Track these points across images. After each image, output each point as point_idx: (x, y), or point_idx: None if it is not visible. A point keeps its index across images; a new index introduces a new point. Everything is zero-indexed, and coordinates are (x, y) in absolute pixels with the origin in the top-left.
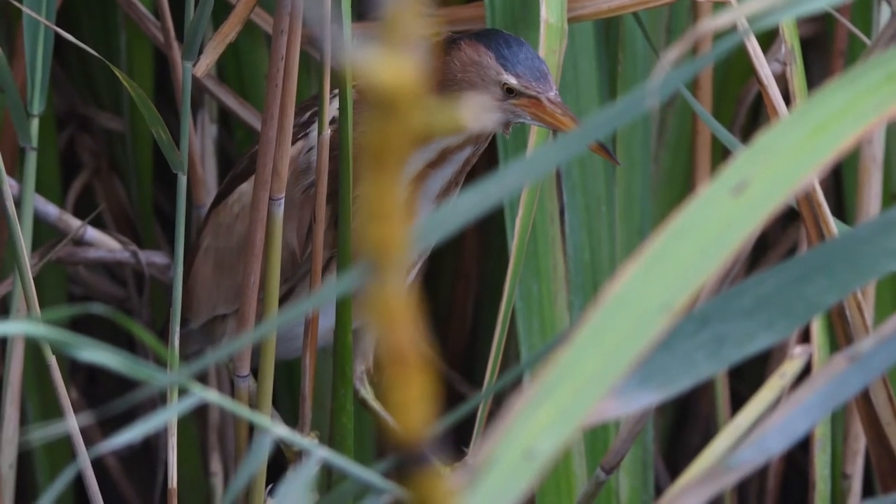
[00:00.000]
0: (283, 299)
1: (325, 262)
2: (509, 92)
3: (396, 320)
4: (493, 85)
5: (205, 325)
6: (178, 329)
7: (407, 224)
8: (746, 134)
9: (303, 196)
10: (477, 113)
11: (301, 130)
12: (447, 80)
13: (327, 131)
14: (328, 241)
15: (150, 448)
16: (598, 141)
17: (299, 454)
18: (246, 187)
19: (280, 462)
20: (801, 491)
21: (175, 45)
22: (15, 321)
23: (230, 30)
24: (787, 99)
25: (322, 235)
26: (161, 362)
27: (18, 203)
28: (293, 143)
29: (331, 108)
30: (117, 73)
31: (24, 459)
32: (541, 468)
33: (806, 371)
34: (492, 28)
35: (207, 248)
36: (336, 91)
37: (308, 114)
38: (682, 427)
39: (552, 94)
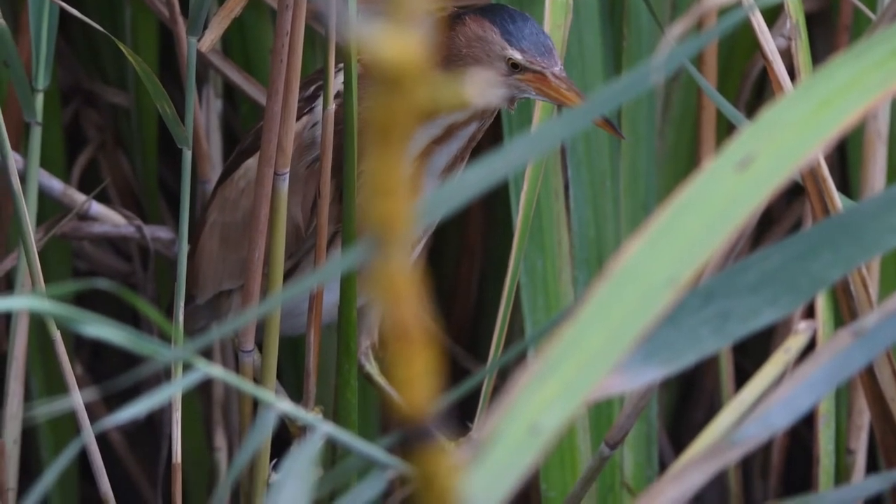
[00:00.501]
0: (288, 274)
1: (330, 237)
2: (514, 67)
3: (401, 296)
4: (498, 60)
5: (210, 301)
6: (182, 304)
7: (411, 200)
8: (751, 109)
9: (307, 171)
10: (481, 89)
11: (306, 105)
12: (452, 55)
13: (332, 106)
14: (333, 216)
15: (155, 423)
16: (603, 116)
17: (303, 429)
18: (252, 162)
19: (284, 437)
20: (805, 466)
21: (180, 20)
22: (20, 296)
23: (235, 4)
24: (792, 74)
25: (327, 211)
26: (166, 338)
27: (23, 178)
28: (298, 118)
29: (335, 83)
30: (122, 48)
31: (29, 435)
32: (545, 443)
33: (810, 346)
34: (497, 3)
35: (213, 223)
36: (341, 65)
37: (313, 87)
38: (687, 402)
39: (557, 69)
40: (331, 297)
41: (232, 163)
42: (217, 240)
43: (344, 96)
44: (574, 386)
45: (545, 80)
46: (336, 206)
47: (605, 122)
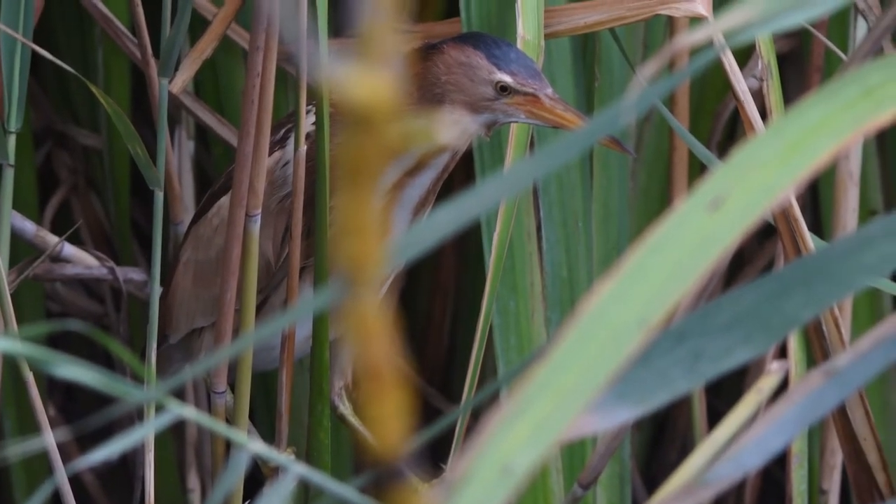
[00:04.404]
0: (258, 309)
1: (300, 270)
2: (503, 90)
3: (372, 335)
4: (485, 85)
5: (183, 340)
6: (154, 345)
7: (382, 238)
8: (723, 149)
9: (278, 206)
10: (452, 127)
11: (277, 145)
12: (428, 85)
13: (303, 147)
14: (303, 250)
15: (128, 464)
16: (611, 135)
17: (276, 470)
18: (225, 200)
19: (257, 478)
20: None
21: (152, 61)
22: None
23: (206, 46)
24: (764, 114)
25: (298, 251)
26: (139, 379)
27: None
28: (269, 154)
29: (306, 124)
30: (94, 89)
31: (2, 475)
32: (518, 483)
33: (783, 386)
34: (474, 31)
35: (187, 261)
36: (312, 106)
37: (283, 130)
38: (660, 442)
39: (549, 90)
40: (303, 332)
41: (205, 204)
42: (191, 277)
43: (315, 133)
44: (546, 426)
45: (538, 103)
46: (306, 240)
47: (613, 141)
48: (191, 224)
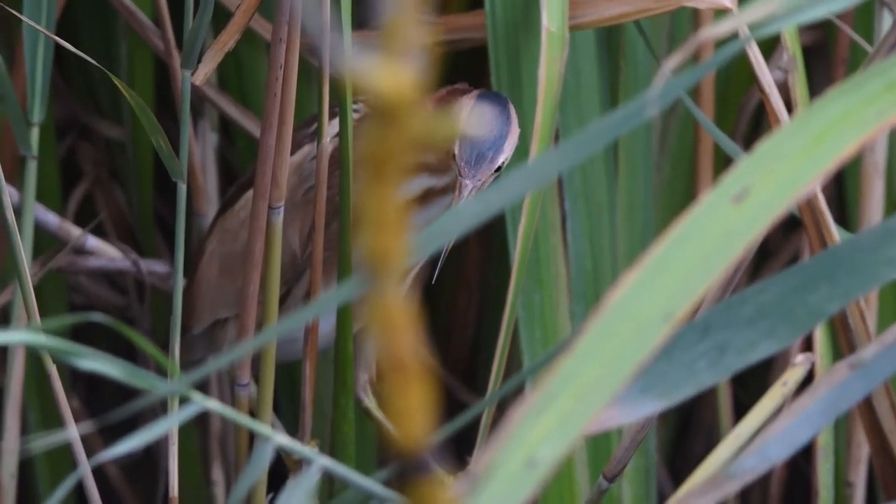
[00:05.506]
0: (281, 301)
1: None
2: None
3: (396, 328)
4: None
5: (206, 331)
6: (178, 337)
7: (405, 233)
8: (748, 142)
9: (304, 198)
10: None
11: (308, 139)
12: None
13: (326, 140)
14: (327, 242)
15: (152, 457)
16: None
17: (300, 463)
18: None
19: (281, 470)
20: (803, 499)
21: (175, 53)
22: (16, 330)
23: (228, 38)
24: (789, 107)
25: (322, 244)
26: (162, 371)
27: (19, 212)
28: (300, 148)
29: (334, 123)
30: (117, 82)
31: (26, 468)
32: (543, 476)
33: (808, 379)
34: (492, 92)
35: (213, 253)
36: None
37: (316, 125)
38: (685, 435)
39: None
40: (327, 324)
41: (232, 196)
42: (216, 269)
43: (339, 128)
44: (571, 419)
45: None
46: (330, 232)
47: None
48: (216, 216)
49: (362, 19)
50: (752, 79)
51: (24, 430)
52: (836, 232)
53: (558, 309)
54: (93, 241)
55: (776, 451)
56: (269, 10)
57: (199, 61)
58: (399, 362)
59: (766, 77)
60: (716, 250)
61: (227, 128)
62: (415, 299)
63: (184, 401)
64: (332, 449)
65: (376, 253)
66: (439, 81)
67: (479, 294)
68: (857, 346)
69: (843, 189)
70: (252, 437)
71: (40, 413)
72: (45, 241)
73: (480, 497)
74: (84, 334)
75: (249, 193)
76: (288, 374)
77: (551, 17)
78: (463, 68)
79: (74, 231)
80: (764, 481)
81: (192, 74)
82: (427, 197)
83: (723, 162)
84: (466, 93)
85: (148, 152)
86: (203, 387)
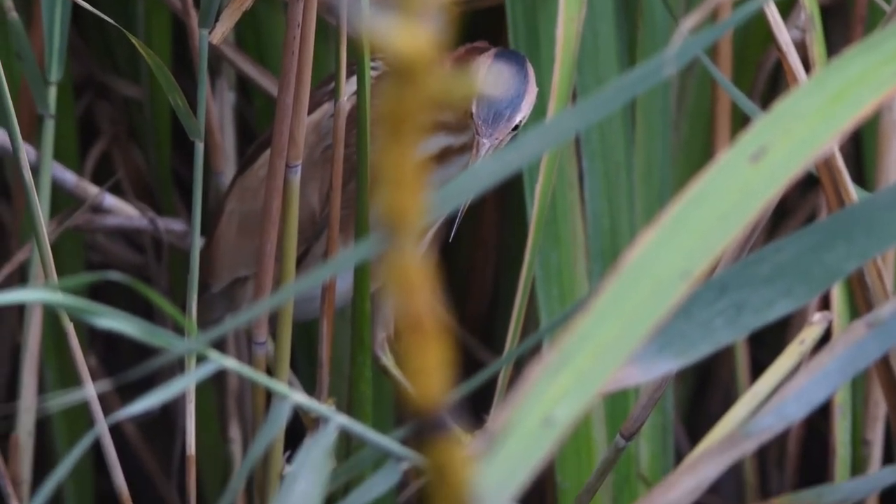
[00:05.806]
0: (300, 260)
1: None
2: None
3: (414, 286)
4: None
5: (225, 289)
6: (195, 296)
7: (423, 191)
8: (766, 101)
9: (324, 156)
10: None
11: (327, 97)
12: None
13: (344, 98)
14: (346, 201)
15: (169, 415)
16: None
17: (317, 421)
18: None
19: (298, 428)
20: (821, 457)
21: (193, 12)
22: (33, 289)
23: None
24: (807, 66)
25: (339, 203)
26: (179, 329)
27: (36, 170)
28: (319, 106)
29: (352, 81)
30: (134, 41)
31: (43, 426)
32: (560, 435)
33: (826, 338)
34: (510, 51)
35: (232, 212)
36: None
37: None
38: (702, 394)
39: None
40: (344, 283)
41: (252, 155)
42: (235, 228)
43: (357, 87)
44: (588, 378)
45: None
46: (348, 191)
47: None
48: (236, 175)
49: None
50: (769, 38)
51: (42, 388)
52: (853, 191)
53: (576, 268)
54: (110, 200)
55: (793, 409)
56: None
57: (216, 20)
58: (416, 321)
59: (784, 36)
60: (733, 209)
61: (244, 86)
62: (432, 258)
63: (201, 359)
64: (349, 407)
65: (394, 212)
66: (457, 40)
67: (497, 253)
68: (875, 304)
69: (860, 148)
70: (269, 395)
71: (58, 371)
72: (63, 200)
73: (497, 455)
74: (101, 293)
75: (268, 152)
76: (305, 333)
77: None
78: (480, 27)
79: (92, 189)
80: (781, 439)
81: (210, 33)
82: (444, 156)
83: (740, 121)
84: (484, 51)
85: (165, 111)
86: (220, 345)
